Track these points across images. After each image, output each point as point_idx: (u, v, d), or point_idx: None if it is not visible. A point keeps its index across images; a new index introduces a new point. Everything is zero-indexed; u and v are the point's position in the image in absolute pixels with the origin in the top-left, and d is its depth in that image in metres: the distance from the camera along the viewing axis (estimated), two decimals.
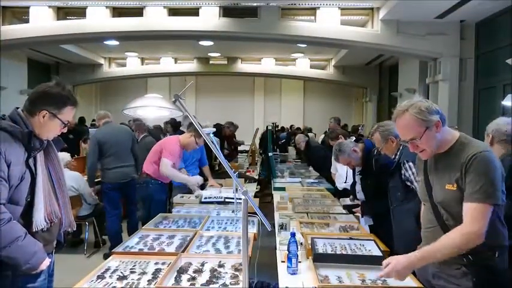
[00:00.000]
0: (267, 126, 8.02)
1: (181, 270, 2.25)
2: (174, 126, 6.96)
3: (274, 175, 5.95)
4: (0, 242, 1.72)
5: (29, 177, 1.84)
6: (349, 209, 3.93)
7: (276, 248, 2.73)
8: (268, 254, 3.23)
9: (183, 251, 2.52)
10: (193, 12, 8.36)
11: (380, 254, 2.39)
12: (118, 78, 14.39)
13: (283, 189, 4.94)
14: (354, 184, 3.75)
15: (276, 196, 4.56)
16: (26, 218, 1.85)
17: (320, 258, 2.32)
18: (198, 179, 4.39)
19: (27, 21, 8.44)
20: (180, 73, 14.24)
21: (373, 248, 2.52)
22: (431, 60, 8.37)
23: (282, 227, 3.10)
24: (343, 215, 3.62)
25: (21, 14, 8.60)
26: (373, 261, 2.29)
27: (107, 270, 2.24)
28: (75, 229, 2.20)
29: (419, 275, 1.96)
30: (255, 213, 2.68)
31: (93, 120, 11.52)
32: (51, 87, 1.95)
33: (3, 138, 1.78)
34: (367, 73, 13.62)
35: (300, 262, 2.31)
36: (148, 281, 2.11)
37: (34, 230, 1.86)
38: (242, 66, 13.87)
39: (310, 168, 6.95)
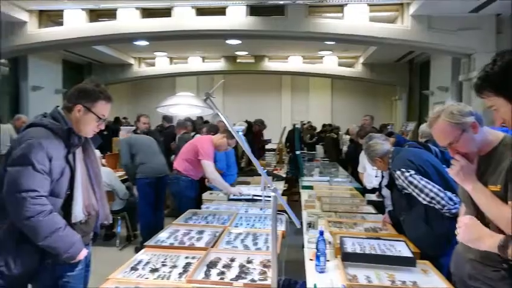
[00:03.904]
0: (294, 125, 8.01)
1: (211, 265, 2.29)
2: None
3: (301, 173, 5.94)
4: (42, 231, 1.81)
5: (68, 171, 1.94)
6: (373, 204, 3.90)
7: (303, 246, 2.74)
8: (295, 252, 3.25)
9: (212, 246, 2.57)
10: (221, 11, 8.42)
11: (411, 255, 2.35)
12: (147, 77, 14.69)
13: (310, 187, 4.93)
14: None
15: (304, 194, 4.56)
16: (66, 210, 1.94)
17: (349, 257, 2.31)
18: (241, 190, 4.33)
19: (61, 23, 8.75)
20: (207, 72, 14.38)
21: (403, 249, 2.48)
22: (464, 57, 8.10)
23: (310, 225, 3.10)
24: (372, 214, 3.58)
25: (56, 17, 8.91)
26: (404, 262, 2.26)
27: (139, 262, 2.32)
28: (111, 222, 2.30)
29: (455, 275, 1.92)
30: (283, 211, 2.71)
31: (124, 118, 11.84)
32: (85, 83, 2.06)
33: (45, 135, 1.88)
34: (397, 70, 13.33)
35: (328, 261, 2.32)
36: (179, 274, 2.17)
37: (73, 222, 1.96)
38: (269, 65, 13.86)
39: (339, 166, 6.90)
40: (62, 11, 8.60)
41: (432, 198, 2.43)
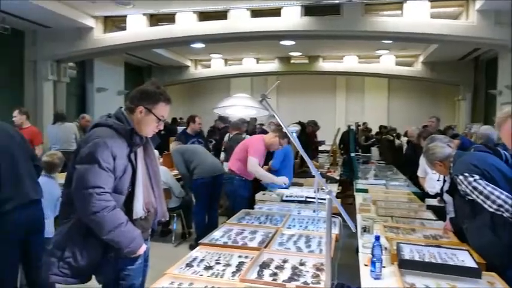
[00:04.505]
0: (348, 126, 7.83)
1: (264, 265, 2.30)
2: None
3: (356, 176, 5.80)
4: (106, 226, 1.92)
5: (130, 170, 2.04)
6: (433, 210, 3.71)
7: (357, 251, 2.67)
8: (348, 256, 3.18)
9: (265, 247, 2.58)
10: (276, 12, 8.44)
11: (475, 266, 2.21)
12: (203, 79, 15.09)
13: (365, 191, 4.80)
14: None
15: (358, 198, 4.44)
16: (127, 206, 2.04)
17: (406, 265, 2.22)
18: (285, 179, 4.41)
19: (124, 28, 9.23)
20: (261, 73, 14.48)
21: (466, 259, 2.32)
22: None
23: (365, 229, 3.01)
24: (432, 221, 3.41)
25: (119, 22, 9.42)
26: (468, 273, 2.12)
27: (194, 259, 2.39)
28: (168, 219, 2.39)
29: None
30: (337, 213, 2.65)
31: (180, 118, 12.26)
32: (146, 86, 2.15)
33: (110, 134, 2.00)
34: (461, 69, 12.57)
35: (384, 267, 2.24)
36: (232, 272, 2.20)
37: (134, 218, 2.06)
38: (323, 65, 13.68)
39: (396, 170, 6.65)
40: (125, 16, 9.07)
41: (500, 205, 2.25)
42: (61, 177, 3.01)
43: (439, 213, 3.58)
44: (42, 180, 3.33)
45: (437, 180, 3.96)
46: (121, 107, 2.15)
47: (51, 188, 3.41)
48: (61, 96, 9.70)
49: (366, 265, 2.33)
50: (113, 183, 1.97)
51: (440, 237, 2.90)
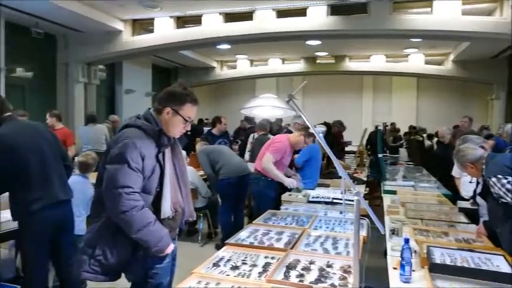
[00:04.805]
0: (376, 126, 7.70)
1: (290, 266, 2.29)
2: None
3: (384, 177, 5.69)
4: (135, 225, 1.96)
5: (158, 170, 2.07)
6: (465, 212, 3.59)
7: (385, 253, 2.62)
8: (376, 258, 3.13)
9: (291, 248, 2.57)
10: (301, 12, 8.39)
11: (511, 271, 2.12)
12: (229, 79, 15.17)
13: (394, 192, 4.70)
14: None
15: (386, 199, 4.36)
16: (155, 206, 2.08)
17: (437, 269, 2.16)
18: (295, 183, 4.39)
19: (152, 31, 9.40)
20: (287, 73, 14.44)
21: (502, 264, 2.24)
22: None
23: (394, 232, 2.95)
24: (464, 224, 3.30)
25: (147, 25, 9.60)
26: (504, 279, 2.03)
27: (221, 259, 2.40)
28: (195, 219, 2.41)
29: None
30: (365, 215, 2.61)
31: (206, 119, 12.39)
32: (174, 87, 2.18)
33: (139, 135, 2.03)
34: (494, 67, 12.11)
35: (413, 271, 2.18)
36: (258, 273, 2.20)
37: (162, 218, 2.09)
38: (350, 65, 13.49)
39: (425, 171, 6.48)
40: (153, 19, 9.24)
41: None
42: (93, 177, 3.09)
43: (472, 216, 3.47)
44: (76, 179, 3.44)
45: (470, 182, 3.83)
46: (150, 108, 2.18)
47: (84, 187, 3.51)
48: (91, 98, 9.97)
49: (395, 268, 2.28)
50: (141, 183, 2.00)
51: (473, 241, 2.81)
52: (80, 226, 3.27)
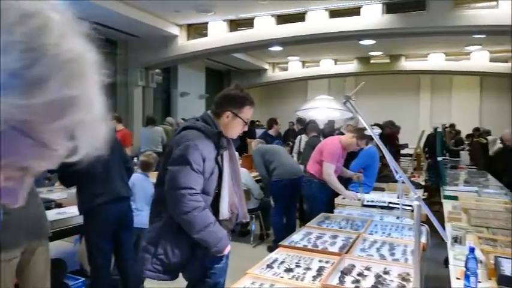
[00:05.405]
0: (435, 128, 7.33)
1: (345, 271, 2.23)
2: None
3: (444, 182, 5.40)
4: (196, 225, 2.01)
5: (217, 172, 2.11)
6: None
7: (445, 262, 2.49)
8: (435, 267, 2.98)
9: (346, 252, 2.51)
10: (355, 11, 8.22)
11: None
12: (281, 81, 15.20)
13: (455, 198, 4.44)
14: None
15: (447, 205, 4.13)
16: (213, 207, 2.12)
17: (507, 282, 2.01)
18: (354, 196, 4.21)
19: (206, 35, 9.65)
20: (339, 74, 14.20)
21: None
22: None
23: (456, 240, 2.79)
24: None
25: (201, 29, 9.88)
26: None
27: (274, 261, 2.39)
28: (248, 220, 2.43)
29: None
30: (424, 222, 2.49)
31: (257, 121, 12.48)
32: (231, 90, 2.21)
33: (200, 137, 2.09)
34: None
35: (479, 282, 2.05)
36: (313, 277, 2.17)
37: (220, 219, 2.12)
38: (406, 64, 13.00)
39: (489, 176, 6.07)
40: (207, 23, 9.49)
41: None
42: (153, 176, 3.25)
43: None
44: (139, 177, 3.77)
45: None
46: (207, 111, 2.23)
47: (145, 184, 3.78)
48: (149, 100, 10.43)
49: (458, 278, 2.16)
50: (202, 185, 2.05)
51: None
52: (143, 220, 3.44)
